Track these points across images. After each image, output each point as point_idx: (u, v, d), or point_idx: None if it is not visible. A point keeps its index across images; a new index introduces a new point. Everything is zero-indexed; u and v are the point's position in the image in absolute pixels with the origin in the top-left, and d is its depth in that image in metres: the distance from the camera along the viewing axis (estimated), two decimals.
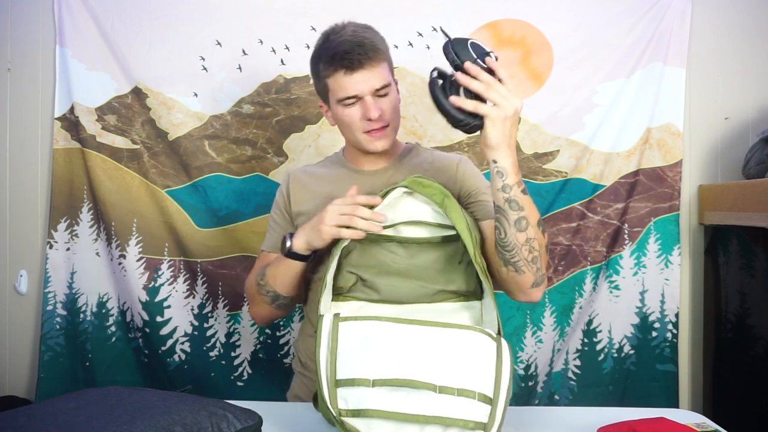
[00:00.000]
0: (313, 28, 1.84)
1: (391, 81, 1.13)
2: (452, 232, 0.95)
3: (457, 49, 0.89)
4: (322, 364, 0.85)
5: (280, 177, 1.84)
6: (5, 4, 1.91)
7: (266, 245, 1.24)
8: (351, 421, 0.83)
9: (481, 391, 0.81)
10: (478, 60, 0.88)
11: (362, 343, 0.85)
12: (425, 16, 1.83)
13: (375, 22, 1.82)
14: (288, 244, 1.05)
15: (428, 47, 1.83)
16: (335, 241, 0.98)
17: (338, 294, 0.97)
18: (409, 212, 0.96)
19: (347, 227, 0.95)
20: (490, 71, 0.88)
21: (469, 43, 0.90)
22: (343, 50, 1.07)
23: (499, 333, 0.89)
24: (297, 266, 1.07)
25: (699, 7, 1.84)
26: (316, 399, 0.95)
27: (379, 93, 1.10)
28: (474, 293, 0.98)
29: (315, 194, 1.17)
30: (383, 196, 0.96)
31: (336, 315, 0.90)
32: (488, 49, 0.90)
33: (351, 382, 0.83)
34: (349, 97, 1.09)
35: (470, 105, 0.87)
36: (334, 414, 0.83)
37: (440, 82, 0.91)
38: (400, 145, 1.25)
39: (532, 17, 1.83)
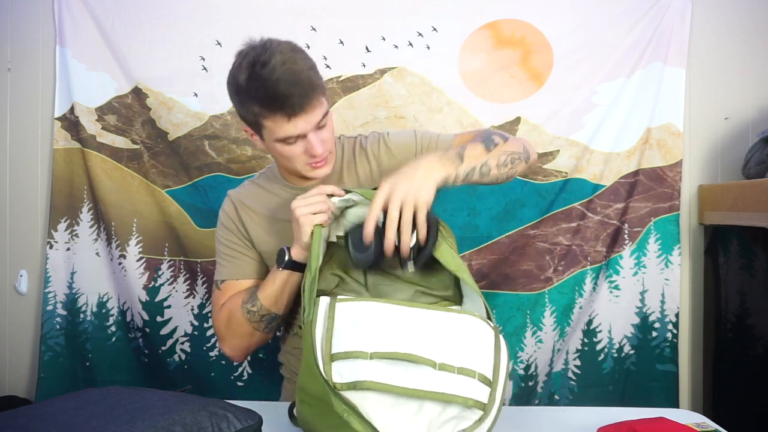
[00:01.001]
0: (313, 28, 1.84)
1: (327, 109, 1.08)
2: None
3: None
4: (318, 341, 0.83)
5: None
6: (5, 4, 1.91)
7: (226, 275, 1.19)
8: (349, 395, 0.80)
9: (481, 372, 0.80)
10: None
11: (359, 320, 0.84)
12: (425, 16, 1.83)
13: (375, 22, 1.84)
14: (287, 256, 1.03)
15: (428, 47, 1.83)
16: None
17: (322, 295, 0.95)
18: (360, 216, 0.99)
19: (319, 213, 0.97)
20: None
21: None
22: (282, 94, 0.98)
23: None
24: (296, 279, 1.06)
25: (699, 7, 1.84)
26: (291, 412, 0.94)
27: (319, 125, 1.06)
28: (452, 298, 0.98)
29: (264, 215, 1.17)
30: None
31: (333, 296, 0.88)
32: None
33: (347, 355, 0.80)
34: (290, 137, 1.04)
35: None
36: (330, 386, 0.80)
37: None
38: (334, 150, 1.21)
39: (532, 17, 1.83)
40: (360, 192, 0.99)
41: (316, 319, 0.85)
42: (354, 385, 0.79)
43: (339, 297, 0.88)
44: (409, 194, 0.92)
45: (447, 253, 0.93)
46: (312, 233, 0.96)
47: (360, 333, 0.82)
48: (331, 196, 1.00)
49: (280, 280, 1.06)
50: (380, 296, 0.97)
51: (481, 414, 0.79)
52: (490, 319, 0.89)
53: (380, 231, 0.92)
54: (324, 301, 0.87)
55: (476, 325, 0.85)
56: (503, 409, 0.83)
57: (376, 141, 1.21)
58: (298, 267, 1.04)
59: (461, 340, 0.83)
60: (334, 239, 1.02)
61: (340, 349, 0.81)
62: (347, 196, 1.00)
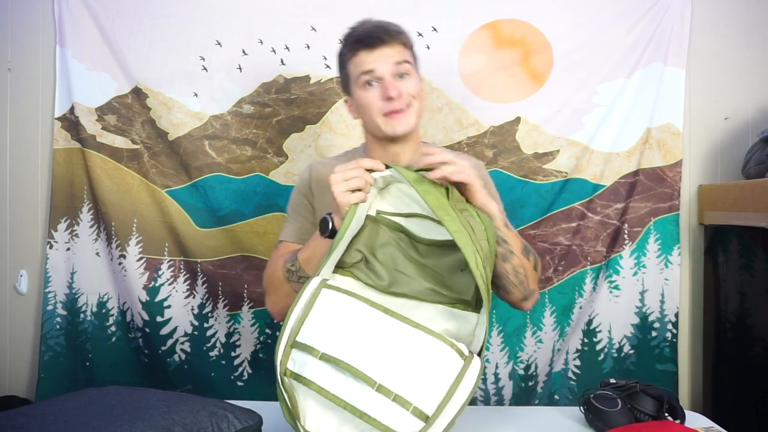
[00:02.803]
0: (313, 28, 1.84)
1: (412, 62, 1.16)
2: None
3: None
4: (291, 320, 0.84)
5: (280, 177, 1.84)
6: (5, 4, 1.91)
7: (285, 236, 1.22)
8: (292, 383, 0.83)
9: (417, 406, 0.77)
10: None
11: (331, 313, 0.84)
12: (425, 16, 1.83)
13: None
14: (330, 225, 1.00)
15: (428, 47, 1.83)
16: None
17: (340, 267, 0.96)
18: (417, 203, 0.96)
19: (357, 190, 0.94)
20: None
21: None
22: (366, 31, 1.12)
23: (480, 352, 0.85)
24: None
25: (699, 7, 1.84)
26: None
27: (399, 71, 1.12)
28: (471, 304, 0.95)
29: None
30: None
31: (323, 280, 0.88)
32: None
33: (304, 347, 0.82)
34: (367, 73, 1.11)
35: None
36: (279, 372, 0.82)
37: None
38: (419, 144, 1.25)
39: (532, 17, 1.83)
40: (400, 170, 0.94)
41: (299, 299, 0.86)
42: (299, 378, 0.82)
43: (327, 283, 0.88)
44: (466, 170, 0.93)
45: (467, 243, 0.86)
46: (347, 212, 0.94)
47: (325, 328, 0.83)
48: (371, 171, 0.96)
49: (320, 247, 1.03)
50: (395, 282, 0.93)
51: None
52: (484, 343, 0.84)
53: None
54: (313, 283, 0.88)
55: (443, 354, 0.80)
56: (503, 409, 0.83)
57: (476, 166, 1.19)
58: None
59: (416, 365, 0.79)
60: (373, 212, 0.98)
61: (302, 338, 0.83)
62: (388, 172, 0.95)
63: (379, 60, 1.10)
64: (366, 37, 1.11)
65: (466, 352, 0.81)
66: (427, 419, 0.76)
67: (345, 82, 1.18)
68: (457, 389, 0.78)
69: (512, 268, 1.04)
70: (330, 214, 1.01)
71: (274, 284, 1.14)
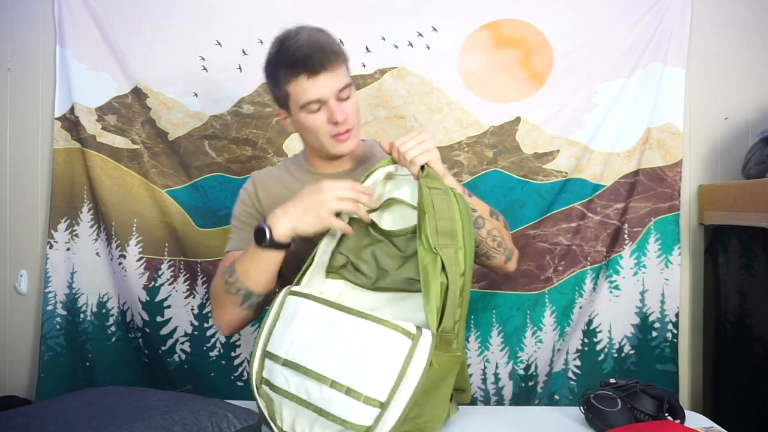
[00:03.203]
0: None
1: (352, 82, 1.13)
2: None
3: None
4: (263, 333, 0.90)
5: None
6: (5, 4, 1.91)
7: (231, 246, 1.19)
8: (267, 391, 0.88)
9: (369, 395, 0.79)
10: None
11: (291, 318, 0.89)
12: (425, 16, 1.83)
13: (375, 22, 1.84)
14: (268, 234, 0.98)
15: (428, 47, 1.83)
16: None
17: (330, 271, 1.00)
18: (390, 193, 1.02)
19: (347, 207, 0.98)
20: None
21: None
22: (304, 55, 1.05)
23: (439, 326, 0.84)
24: (277, 258, 1.01)
25: (699, 7, 1.84)
26: None
27: (342, 96, 1.10)
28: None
29: (283, 198, 1.14)
30: (364, 179, 1.02)
31: (288, 288, 0.93)
32: None
33: (271, 356, 0.88)
34: (312, 102, 1.08)
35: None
36: (255, 380, 0.88)
37: None
38: (360, 145, 1.25)
39: (532, 17, 1.83)
40: (387, 162, 1.02)
41: (271, 309, 0.91)
42: (270, 385, 0.87)
43: (292, 290, 0.92)
44: (430, 141, 0.97)
45: (429, 228, 0.88)
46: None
47: (287, 334, 0.88)
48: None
49: (258, 259, 1.01)
50: (380, 278, 0.97)
51: None
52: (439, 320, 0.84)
53: None
54: (282, 293, 0.92)
55: (388, 338, 0.82)
56: (503, 409, 0.83)
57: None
58: (280, 246, 1.00)
59: (366, 356, 0.81)
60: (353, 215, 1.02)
61: (270, 347, 0.89)
62: (377, 174, 1.02)
63: (323, 87, 1.07)
64: (307, 61, 1.05)
65: (413, 330, 0.82)
66: (381, 405, 0.79)
67: (281, 99, 1.14)
68: (409, 369, 0.80)
69: (487, 233, 1.09)
70: (266, 224, 0.99)
71: (217, 297, 1.10)
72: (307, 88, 1.07)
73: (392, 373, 0.80)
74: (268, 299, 1.08)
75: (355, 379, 0.80)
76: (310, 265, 0.98)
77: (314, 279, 0.98)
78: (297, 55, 1.06)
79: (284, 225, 0.98)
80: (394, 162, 1.02)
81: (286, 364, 0.85)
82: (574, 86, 1.82)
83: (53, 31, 1.87)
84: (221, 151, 1.85)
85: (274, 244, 0.99)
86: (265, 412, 0.88)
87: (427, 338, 0.81)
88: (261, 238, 0.99)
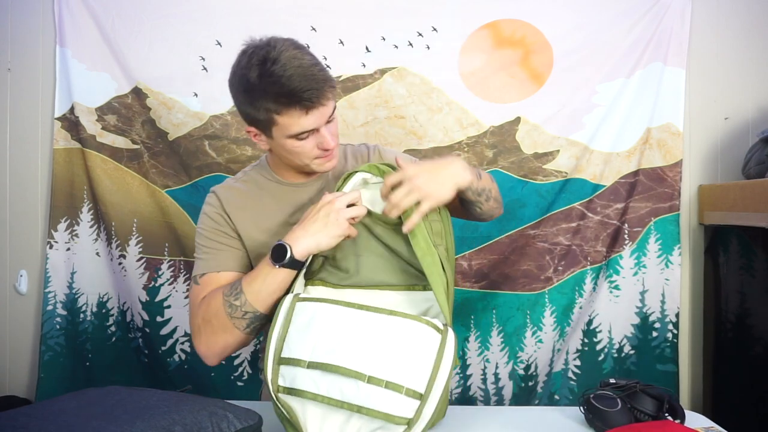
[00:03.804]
0: (313, 28, 1.84)
1: (335, 102, 1.09)
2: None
3: None
4: (273, 341, 0.88)
5: None
6: (5, 4, 1.91)
7: (206, 267, 1.10)
8: (286, 398, 0.86)
9: (410, 387, 0.81)
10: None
11: (309, 324, 0.87)
12: (425, 16, 1.83)
13: (375, 22, 1.84)
14: (289, 253, 0.95)
15: (428, 47, 1.83)
16: None
17: (309, 279, 1.00)
18: (368, 201, 1.02)
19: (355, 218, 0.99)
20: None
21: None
22: (298, 88, 0.98)
23: (447, 324, 0.89)
24: (291, 277, 0.98)
25: (699, 7, 1.84)
26: None
27: (330, 119, 1.06)
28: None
29: (253, 211, 1.13)
30: (342, 183, 1.02)
31: (296, 295, 0.92)
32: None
33: (289, 361, 0.86)
34: (304, 132, 1.03)
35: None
36: (272, 390, 0.86)
37: None
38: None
39: (532, 17, 1.83)
40: (371, 169, 1.02)
41: (277, 317, 0.89)
42: (292, 391, 0.85)
43: (300, 296, 0.92)
44: (422, 188, 0.95)
45: (421, 235, 0.94)
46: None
47: (306, 338, 0.86)
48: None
49: (272, 279, 0.98)
50: (360, 269, 0.98)
51: (404, 429, 0.81)
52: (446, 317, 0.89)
53: None
54: (287, 300, 0.91)
55: (420, 332, 0.85)
56: (503, 409, 0.84)
57: (373, 150, 1.24)
58: (297, 265, 0.98)
59: (399, 350, 0.83)
60: None
61: (286, 353, 0.86)
62: (359, 176, 1.03)
63: (318, 119, 1.02)
64: (303, 97, 0.98)
65: (441, 326, 0.86)
66: (421, 396, 0.81)
67: (259, 122, 1.05)
68: (442, 362, 0.83)
69: (494, 200, 1.14)
70: (287, 243, 0.97)
71: (212, 323, 1.02)
72: (301, 121, 1.01)
73: (428, 366, 0.82)
74: (265, 323, 1.04)
75: (394, 372, 0.81)
76: (298, 273, 0.98)
77: (296, 288, 0.98)
78: (289, 88, 0.98)
79: (305, 243, 0.96)
80: (374, 169, 1.02)
81: (313, 366, 0.84)
82: (574, 86, 1.82)
83: (53, 31, 1.87)
84: (221, 151, 1.85)
85: (294, 263, 0.97)
86: (288, 417, 0.86)
87: (451, 334, 0.85)
88: (280, 257, 0.96)
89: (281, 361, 0.86)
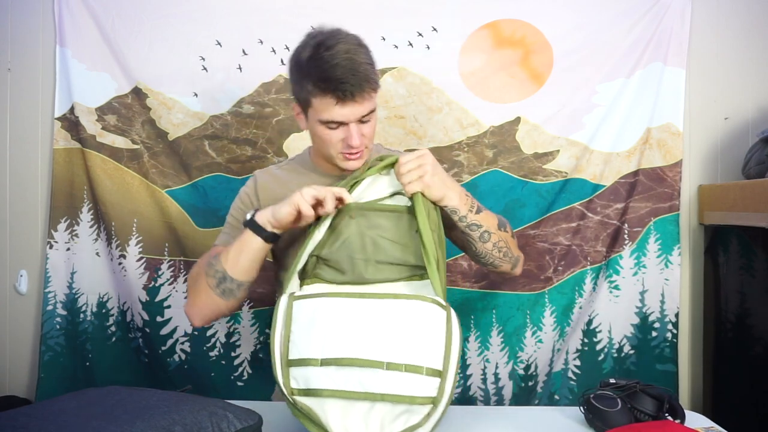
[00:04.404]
0: (313, 28, 1.84)
1: (375, 106, 1.11)
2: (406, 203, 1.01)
3: None
4: (276, 344, 0.87)
5: None
6: (5, 4, 1.91)
7: (220, 241, 1.20)
8: (303, 400, 0.85)
9: (429, 365, 0.82)
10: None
11: (312, 321, 0.87)
12: (425, 16, 1.83)
13: (375, 22, 1.84)
14: (251, 215, 1.04)
15: (428, 47, 1.83)
16: (304, 228, 1.03)
17: (302, 279, 1.00)
18: (370, 195, 1.04)
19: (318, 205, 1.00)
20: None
21: None
22: (337, 77, 1.01)
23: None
24: (254, 241, 1.03)
25: (699, 7, 1.84)
26: None
27: (363, 119, 1.08)
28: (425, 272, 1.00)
29: (284, 197, 1.14)
30: (350, 188, 1.03)
31: (291, 294, 0.92)
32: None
33: (301, 362, 0.85)
34: (333, 121, 1.07)
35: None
36: (286, 393, 0.85)
37: None
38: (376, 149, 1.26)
39: (532, 17, 1.83)
40: (370, 173, 1.03)
41: (276, 319, 0.89)
42: (308, 392, 0.84)
43: (296, 295, 0.92)
44: (427, 169, 0.98)
45: (423, 203, 0.98)
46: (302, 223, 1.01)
47: (313, 336, 0.86)
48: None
49: (239, 242, 1.05)
50: (357, 273, 0.98)
51: (430, 408, 0.82)
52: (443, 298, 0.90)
53: None
54: (283, 301, 0.90)
55: (426, 311, 0.86)
56: (503, 409, 0.84)
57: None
58: (258, 231, 1.02)
59: (410, 331, 0.84)
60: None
61: (294, 355, 0.86)
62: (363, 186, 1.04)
63: (349, 114, 1.05)
64: (338, 87, 1.02)
65: (444, 303, 0.88)
66: (440, 373, 0.82)
67: (301, 100, 1.11)
68: (452, 336, 0.84)
69: (493, 245, 1.12)
70: (256, 209, 1.06)
71: (193, 283, 1.12)
72: (332, 110, 1.05)
73: (440, 342, 0.83)
74: (241, 291, 1.09)
75: (410, 354, 0.82)
76: (294, 270, 0.98)
77: (290, 288, 0.98)
78: (330, 75, 1.01)
79: (265, 213, 1.03)
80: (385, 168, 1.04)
81: (327, 363, 0.84)
82: (574, 86, 1.82)
83: (53, 31, 1.87)
84: (221, 151, 1.85)
85: (254, 225, 1.03)
86: (309, 418, 0.85)
87: (453, 313, 0.87)
88: (244, 221, 1.06)
89: (290, 363, 0.86)
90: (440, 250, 0.98)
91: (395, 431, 0.82)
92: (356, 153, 1.11)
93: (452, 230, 1.16)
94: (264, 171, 1.28)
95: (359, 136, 1.07)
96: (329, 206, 0.97)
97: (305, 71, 1.05)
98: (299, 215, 0.99)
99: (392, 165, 1.02)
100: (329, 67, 1.02)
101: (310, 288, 0.98)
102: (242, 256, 1.04)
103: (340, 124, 1.07)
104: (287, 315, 0.89)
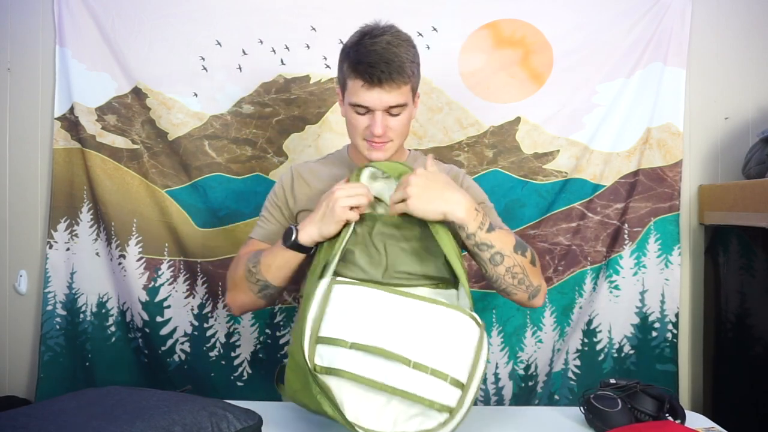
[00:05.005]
0: (313, 28, 1.84)
1: (409, 101, 1.13)
2: None
3: None
4: (309, 320, 0.88)
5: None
6: (5, 4, 1.91)
7: (256, 234, 1.23)
8: (324, 378, 0.85)
9: (454, 376, 0.82)
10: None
11: (350, 305, 0.88)
12: (425, 16, 1.83)
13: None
14: (294, 236, 1.04)
15: (428, 47, 1.83)
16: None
17: (322, 276, 1.00)
18: (380, 192, 1.05)
19: (355, 207, 1.01)
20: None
21: None
22: (368, 62, 1.05)
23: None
24: (298, 259, 1.07)
25: (699, 7, 1.84)
26: (279, 377, 0.97)
27: (392, 112, 1.10)
28: (446, 280, 1.01)
29: (318, 193, 1.18)
30: (356, 176, 1.06)
31: (333, 278, 0.93)
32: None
33: (330, 341, 0.85)
34: (360, 106, 1.10)
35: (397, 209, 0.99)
36: (310, 367, 0.84)
37: None
38: (404, 153, 1.26)
39: (532, 17, 1.83)
40: (381, 166, 1.06)
41: (312, 298, 0.90)
42: (330, 371, 0.84)
43: (338, 279, 0.93)
44: (410, 194, 0.96)
45: (445, 235, 0.97)
46: (342, 227, 1.00)
47: (347, 320, 0.87)
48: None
49: (281, 257, 1.07)
50: (374, 273, 0.98)
51: (447, 417, 0.82)
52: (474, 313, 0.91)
53: None
54: (324, 282, 0.92)
55: (462, 323, 0.87)
56: (503, 409, 0.84)
57: (455, 175, 1.26)
58: (302, 249, 1.05)
59: (443, 338, 0.85)
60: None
61: (325, 333, 0.86)
62: (368, 170, 1.06)
63: (375, 100, 1.08)
64: (368, 70, 1.05)
65: (480, 321, 0.89)
66: (463, 386, 0.82)
67: (341, 82, 1.16)
68: (480, 355, 0.85)
69: (505, 270, 1.03)
70: (296, 227, 1.05)
71: (235, 280, 1.16)
72: (360, 93, 1.07)
73: (469, 356, 0.84)
74: (280, 293, 1.16)
75: (438, 360, 0.82)
76: (328, 268, 0.98)
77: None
78: (363, 59, 1.05)
79: (309, 231, 1.03)
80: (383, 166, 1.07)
81: (356, 347, 0.84)
82: (574, 86, 1.82)
83: (53, 31, 1.87)
84: (221, 151, 1.85)
85: (296, 246, 1.05)
86: (327, 396, 0.84)
87: (485, 332, 0.88)
88: (287, 238, 1.05)
89: (319, 340, 0.86)
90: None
91: (408, 430, 0.82)
92: (379, 143, 1.12)
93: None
94: (301, 165, 1.29)
95: (383, 125, 1.09)
96: (364, 206, 1.01)
97: (346, 54, 1.10)
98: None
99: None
100: (366, 52, 1.05)
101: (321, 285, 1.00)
102: (285, 270, 1.09)
103: (368, 110, 1.09)
104: (325, 296, 0.90)
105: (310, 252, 1.07)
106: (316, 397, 0.83)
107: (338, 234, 1.01)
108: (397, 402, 0.83)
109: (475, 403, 0.87)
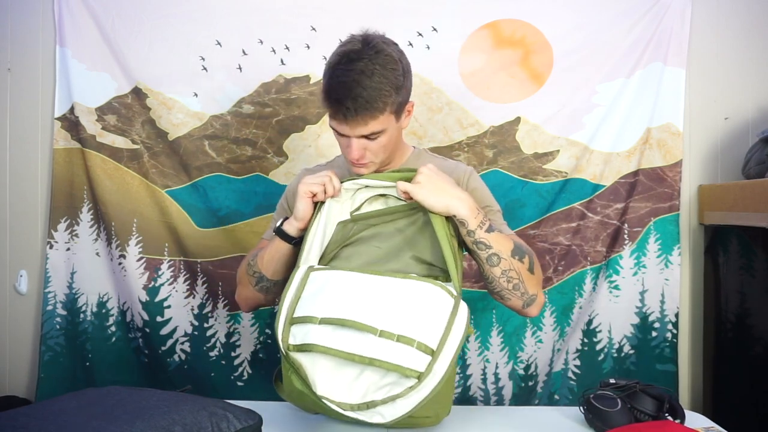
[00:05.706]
0: (313, 28, 1.84)
1: (388, 125, 1.06)
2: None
3: None
4: (286, 305, 0.91)
5: (280, 177, 1.85)
6: (5, 4, 1.91)
7: (266, 235, 1.26)
8: (297, 356, 0.87)
9: (421, 341, 0.83)
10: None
11: (322, 287, 0.91)
12: (425, 16, 1.83)
13: (375, 23, 1.82)
14: (278, 223, 1.10)
15: (428, 47, 1.83)
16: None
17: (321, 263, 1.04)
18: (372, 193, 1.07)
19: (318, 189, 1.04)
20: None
21: None
22: (335, 98, 1.01)
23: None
24: (283, 248, 1.10)
25: (699, 7, 1.84)
26: (278, 377, 0.99)
27: (369, 137, 1.06)
28: (441, 271, 1.01)
29: None
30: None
31: (310, 266, 0.97)
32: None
33: (302, 320, 0.88)
34: (335, 131, 1.08)
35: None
36: (283, 349, 0.87)
37: None
38: (406, 151, 1.25)
39: (532, 17, 1.83)
40: (375, 177, 1.07)
41: (290, 286, 0.94)
42: (302, 347, 0.86)
43: (314, 267, 0.97)
44: (422, 182, 0.99)
45: (441, 226, 0.99)
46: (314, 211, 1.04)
47: (319, 299, 0.89)
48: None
49: (272, 246, 1.11)
50: (364, 262, 1.02)
51: (415, 381, 0.82)
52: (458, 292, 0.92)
53: None
54: (301, 270, 0.96)
55: (433, 293, 0.89)
56: (503, 409, 0.84)
57: (459, 177, 1.19)
58: (286, 238, 1.08)
59: (412, 308, 0.87)
60: (347, 216, 1.07)
61: (298, 314, 0.90)
62: (361, 181, 1.06)
63: (348, 130, 1.05)
64: (336, 104, 1.01)
65: (455, 292, 0.90)
66: (433, 352, 0.83)
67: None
68: (454, 324, 0.86)
69: (502, 273, 1.03)
70: (286, 217, 1.11)
71: (240, 275, 1.22)
72: (334, 120, 1.05)
73: (440, 324, 0.85)
74: (277, 288, 1.15)
75: (405, 327, 0.84)
76: (302, 252, 1.02)
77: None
78: (332, 93, 1.02)
79: (290, 219, 1.09)
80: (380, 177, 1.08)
81: (325, 321, 0.87)
82: (574, 86, 1.82)
83: (53, 31, 1.87)
84: (221, 151, 1.85)
85: (281, 233, 1.09)
86: (298, 372, 0.87)
87: (464, 305, 0.88)
88: (275, 227, 1.11)
89: (293, 321, 0.89)
90: (459, 256, 1.00)
91: (377, 398, 0.84)
92: (360, 165, 1.10)
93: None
94: (310, 169, 1.30)
95: (359, 150, 1.06)
96: (330, 191, 1.04)
97: (324, 73, 1.06)
98: (314, 205, 1.05)
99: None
100: (336, 84, 1.01)
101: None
102: (274, 261, 1.11)
103: (343, 135, 1.07)
104: (302, 282, 0.93)
105: (293, 241, 1.08)
106: (289, 377, 0.86)
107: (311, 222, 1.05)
108: (370, 372, 0.85)
109: (473, 399, 0.87)
